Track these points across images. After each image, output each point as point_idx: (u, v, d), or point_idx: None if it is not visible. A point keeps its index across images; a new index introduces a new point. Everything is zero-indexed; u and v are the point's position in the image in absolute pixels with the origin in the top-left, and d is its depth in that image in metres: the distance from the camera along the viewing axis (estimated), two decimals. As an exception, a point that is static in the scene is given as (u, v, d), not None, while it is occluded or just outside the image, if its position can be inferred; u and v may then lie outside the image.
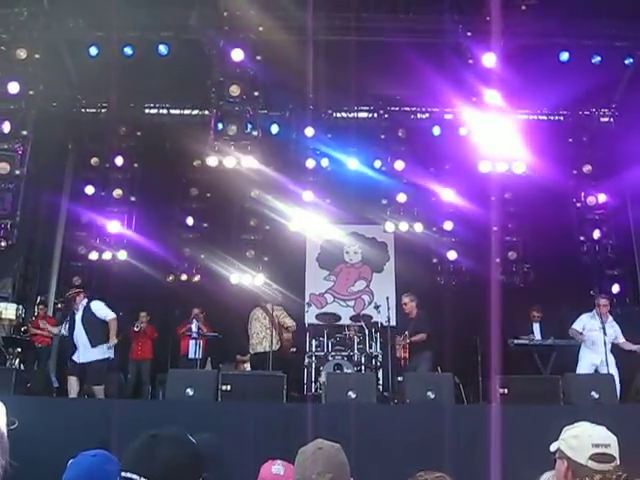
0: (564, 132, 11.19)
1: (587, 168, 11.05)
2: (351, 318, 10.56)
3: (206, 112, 10.45)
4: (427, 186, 11.02)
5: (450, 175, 11.15)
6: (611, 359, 8.02)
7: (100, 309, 8.30)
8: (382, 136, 11.23)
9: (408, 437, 6.11)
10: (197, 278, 11.63)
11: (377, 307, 9.84)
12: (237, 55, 8.91)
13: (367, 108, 11.42)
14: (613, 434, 2.33)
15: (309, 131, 10.86)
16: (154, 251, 10.87)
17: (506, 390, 6.84)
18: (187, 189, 11.98)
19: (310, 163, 11.04)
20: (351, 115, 11.42)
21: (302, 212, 10.78)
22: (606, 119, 11.24)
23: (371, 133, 11.34)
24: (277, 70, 9.31)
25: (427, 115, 11.32)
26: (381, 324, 9.69)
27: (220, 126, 9.01)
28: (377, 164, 11.29)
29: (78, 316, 8.27)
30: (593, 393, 6.75)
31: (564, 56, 9.57)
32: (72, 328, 8.25)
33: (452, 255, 11.41)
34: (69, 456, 2.43)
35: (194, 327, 10.13)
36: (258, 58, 9.09)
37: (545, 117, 11.24)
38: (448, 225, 11.41)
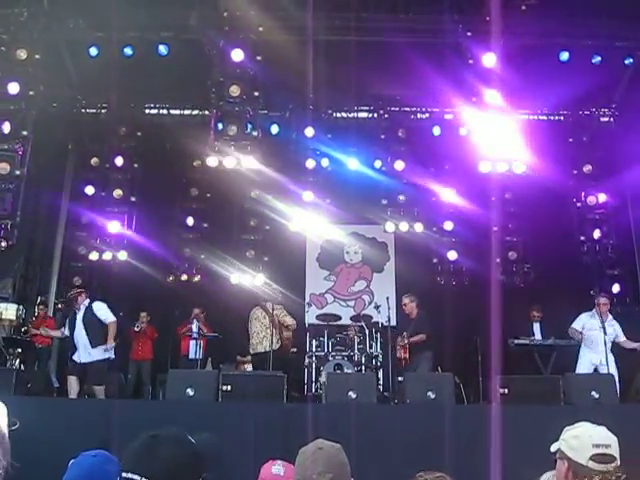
0: (564, 132, 11.19)
1: (587, 168, 11.05)
2: (351, 318, 10.56)
3: (206, 112, 10.45)
4: (427, 186, 11.01)
5: (450, 175, 11.14)
6: (611, 358, 8.02)
7: (101, 310, 8.30)
8: (382, 136, 11.22)
9: (408, 437, 6.10)
10: (197, 278, 11.64)
11: (377, 307, 9.83)
12: (237, 55, 8.91)
13: (367, 108, 11.41)
14: (613, 434, 2.33)
15: (309, 131, 10.85)
16: (154, 251, 10.88)
17: (506, 390, 6.83)
18: (187, 189, 11.99)
19: (310, 163, 11.04)
20: (351, 115, 11.42)
21: (302, 212, 10.78)
22: (606, 119, 11.24)
23: (371, 133, 11.33)
24: (277, 70, 9.31)
25: (427, 115, 11.32)
26: (381, 324, 9.68)
27: (220, 126, 9.02)
28: (377, 164, 11.28)
29: (79, 316, 8.27)
30: (593, 393, 6.74)
31: (564, 56, 9.58)
32: (73, 328, 8.25)
33: (452, 255, 11.41)
34: (69, 456, 2.43)
35: (194, 327, 10.13)
36: (258, 58, 9.10)
37: (545, 117, 11.23)
38: (448, 225, 11.41)
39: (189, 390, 6.82)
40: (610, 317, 8.45)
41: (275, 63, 9.05)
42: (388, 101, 11.25)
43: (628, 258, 11.10)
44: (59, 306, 11.26)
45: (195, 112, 11.30)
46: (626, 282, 10.87)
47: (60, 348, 10.48)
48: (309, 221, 10.89)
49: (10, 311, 9.89)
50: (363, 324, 9.89)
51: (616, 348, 8.28)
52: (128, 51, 9.64)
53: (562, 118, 11.28)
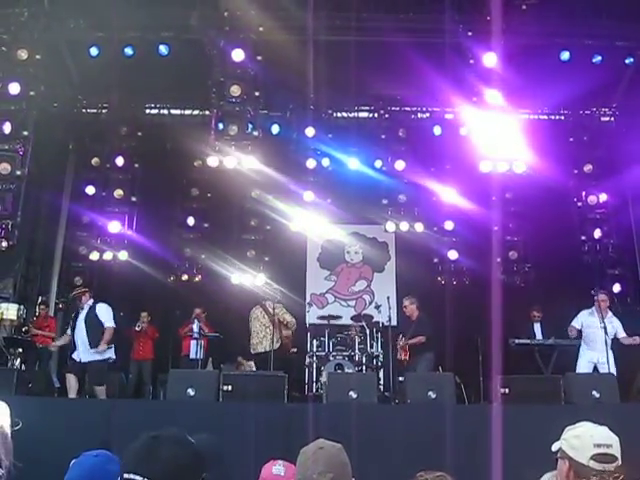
0: (565, 131, 11.19)
1: (588, 167, 11.05)
2: (352, 318, 10.56)
3: (207, 112, 10.44)
4: (428, 186, 11.00)
5: (451, 175, 11.12)
6: (610, 356, 8.00)
7: (102, 311, 8.30)
8: (383, 136, 11.21)
9: (409, 437, 6.10)
10: (198, 278, 11.64)
11: (378, 307, 9.83)
12: (238, 55, 8.91)
13: (368, 108, 11.42)
14: (615, 434, 2.33)
15: (310, 131, 10.85)
16: (155, 251, 10.88)
17: (507, 390, 6.84)
18: (188, 189, 11.98)
19: (311, 163, 11.04)
20: (352, 115, 11.43)
21: (303, 212, 10.78)
22: (607, 118, 11.25)
23: (372, 133, 11.33)
24: (278, 70, 9.31)
25: (428, 115, 11.32)
26: (382, 324, 9.69)
27: (221, 126, 9.01)
28: (378, 164, 11.28)
29: (82, 316, 8.30)
30: (594, 393, 6.74)
31: (565, 56, 9.58)
32: (74, 327, 8.26)
33: (453, 255, 11.40)
34: (71, 456, 2.43)
35: (195, 327, 10.13)
36: (259, 58, 9.10)
37: (546, 117, 11.24)
38: (449, 225, 11.39)
39: (190, 390, 6.82)
40: (610, 314, 8.46)
41: (276, 63, 9.05)
42: (389, 101, 11.25)
43: (629, 258, 11.10)
44: (60, 306, 11.27)
45: (196, 112, 11.31)
46: (627, 282, 10.86)
47: (61, 348, 10.46)
48: (310, 221, 10.89)
49: (11, 311, 9.90)
50: (364, 324, 9.90)
51: (615, 344, 8.27)
52: (129, 51, 9.66)
53: (563, 118, 11.28)
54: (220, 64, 9.03)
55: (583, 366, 8.36)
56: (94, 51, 9.63)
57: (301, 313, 10.47)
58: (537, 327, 9.66)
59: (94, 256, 10.89)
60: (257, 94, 9.21)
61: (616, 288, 10.61)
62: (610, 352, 7.99)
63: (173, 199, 11.99)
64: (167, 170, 11.54)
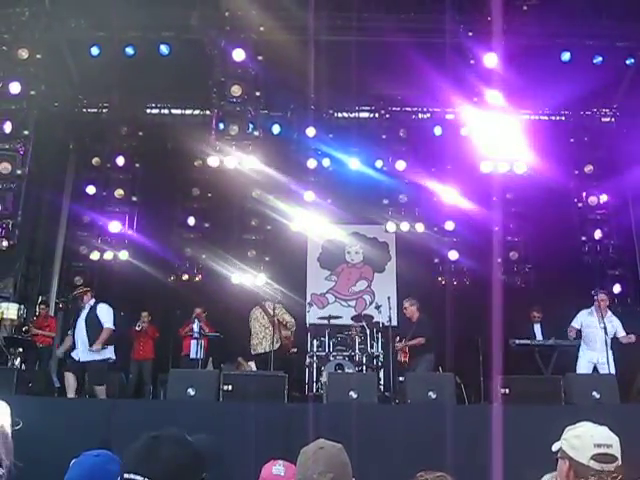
0: (565, 132, 11.19)
1: (588, 168, 11.05)
2: (352, 318, 10.55)
3: (207, 112, 10.44)
4: (428, 186, 11.01)
5: (451, 175, 11.11)
6: (610, 356, 8.00)
7: (102, 311, 8.30)
8: (383, 136, 11.22)
9: (409, 437, 6.10)
10: (198, 278, 11.65)
11: (378, 307, 9.82)
12: (238, 55, 8.92)
13: (368, 108, 11.43)
14: (615, 434, 2.33)
15: (310, 131, 10.85)
16: (155, 251, 10.88)
17: (507, 390, 6.83)
18: (188, 189, 11.98)
19: (311, 163, 11.04)
20: (352, 115, 11.43)
21: (303, 212, 10.78)
22: (607, 119, 11.25)
23: (372, 133, 11.34)
24: (278, 70, 9.31)
25: (428, 115, 11.32)
26: (382, 324, 9.69)
27: (221, 126, 9.01)
28: (378, 164, 11.28)
29: (82, 315, 8.31)
30: (594, 393, 6.74)
31: (565, 56, 9.58)
32: (75, 326, 8.27)
33: (453, 255, 11.39)
34: (71, 456, 2.44)
35: (196, 327, 10.12)
36: (259, 58, 9.10)
37: (546, 117, 11.23)
38: (449, 225, 11.38)
39: (190, 390, 6.82)
40: (609, 313, 8.47)
41: (276, 63, 9.06)
42: (389, 101, 11.25)
43: (629, 258, 11.10)
44: (60, 306, 11.27)
45: (196, 112, 11.32)
46: (627, 282, 10.86)
47: (61, 348, 10.49)
48: (310, 221, 10.89)
49: (11, 310, 9.90)
50: (364, 324, 9.89)
51: (615, 344, 8.27)
52: (129, 51, 9.66)
53: (563, 118, 11.27)
54: (221, 64, 9.04)
55: (583, 366, 8.37)
56: (95, 51, 9.64)
57: (301, 313, 10.47)
58: (537, 328, 9.65)
59: (94, 256, 10.90)
60: (258, 94, 9.21)
61: (616, 289, 10.62)
62: (610, 352, 8.00)
63: (174, 199, 11.99)
64: (168, 170, 11.55)
